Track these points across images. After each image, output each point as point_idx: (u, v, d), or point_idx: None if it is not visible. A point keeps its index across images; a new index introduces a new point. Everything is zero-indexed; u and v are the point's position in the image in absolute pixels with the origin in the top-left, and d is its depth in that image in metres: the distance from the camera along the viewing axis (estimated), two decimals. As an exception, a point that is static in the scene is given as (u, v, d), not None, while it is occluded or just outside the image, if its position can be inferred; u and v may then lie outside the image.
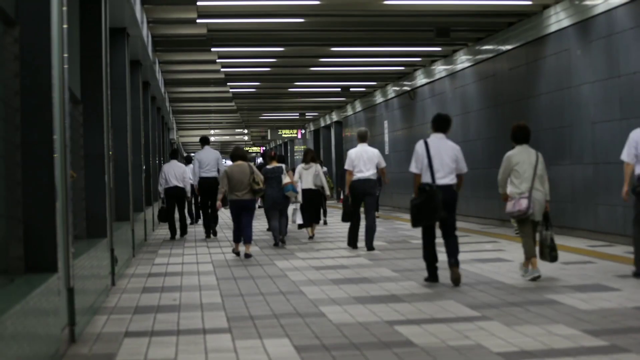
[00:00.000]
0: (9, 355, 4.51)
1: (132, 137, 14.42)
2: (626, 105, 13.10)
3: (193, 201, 21.20)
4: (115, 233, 10.61)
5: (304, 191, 15.77)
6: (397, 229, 18.45)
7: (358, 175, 13.16)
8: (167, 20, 16.70)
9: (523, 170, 9.48)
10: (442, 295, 8.60)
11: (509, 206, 9.50)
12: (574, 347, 6.01)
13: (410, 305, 8.03)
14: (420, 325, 7.01)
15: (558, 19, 15.17)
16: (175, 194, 17.41)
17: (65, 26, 6.86)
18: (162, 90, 24.72)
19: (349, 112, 34.67)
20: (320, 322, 7.32)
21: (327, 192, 16.24)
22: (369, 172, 13.18)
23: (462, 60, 20.37)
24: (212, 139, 49.45)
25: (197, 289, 9.67)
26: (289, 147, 54.71)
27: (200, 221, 21.03)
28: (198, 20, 15.83)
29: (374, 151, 13.41)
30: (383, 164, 13.46)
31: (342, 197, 15.03)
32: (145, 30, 15.56)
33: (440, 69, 22.23)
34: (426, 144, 9.46)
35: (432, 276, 9.60)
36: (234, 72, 23.89)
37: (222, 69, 22.78)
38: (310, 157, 16.16)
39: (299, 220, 16.46)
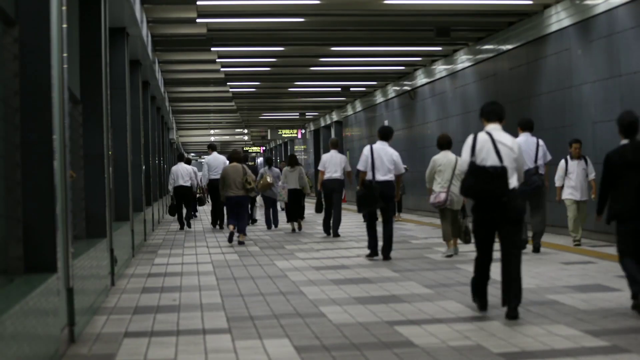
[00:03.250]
0: (9, 355, 4.50)
1: (132, 137, 14.41)
2: (627, 104, 13.08)
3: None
4: (115, 233, 10.60)
5: (290, 191, 18.20)
6: (397, 229, 18.44)
7: (327, 176, 16.03)
8: (167, 20, 16.68)
9: (444, 170, 12.00)
10: (442, 296, 8.59)
11: (431, 198, 12.13)
12: (575, 348, 5.99)
13: (410, 306, 8.02)
14: (421, 325, 7.00)
15: (559, 19, 15.16)
16: (183, 192, 20.55)
17: (64, 26, 6.85)
18: (162, 90, 24.71)
19: (349, 112, 34.66)
20: (320, 322, 7.31)
21: (308, 191, 18.73)
22: (337, 174, 16.04)
23: (463, 60, 20.36)
24: (211, 138, 49.50)
25: (197, 289, 9.66)
26: (289, 147, 54.70)
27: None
28: (198, 20, 15.82)
29: (342, 157, 16.32)
30: (348, 168, 16.40)
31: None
32: (144, 30, 15.54)
33: (440, 68, 22.22)
34: (371, 149, 12.04)
35: (373, 252, 12.22)
36: (233, 71, 23.88)
37: (222, 69, 22.78)
38: (293, 160, 18.60)
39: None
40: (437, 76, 22.49)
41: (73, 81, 9.16)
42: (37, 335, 5.30)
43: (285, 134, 45.66)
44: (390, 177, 12.00)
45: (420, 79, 24.01)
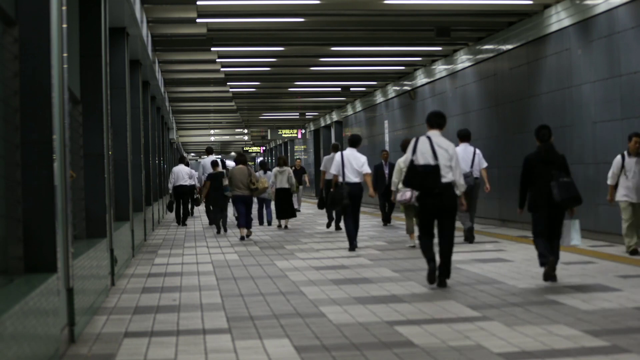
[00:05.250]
0: (9, 355, 4.50)
1: (132, 137, 14.41)
2: (627, 104, 13.09)
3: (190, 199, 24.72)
4: (115, 233, 10.59)
5: (278, 190, 19.58)
6: (398, 229, 18.44)
7: (328, 176, 16.72)
8: (167, 20, 16.68)
9: None
10: (442, 296, 8.59)
11: (398, 196, 12.89)
12: (575, 348, 5.99)
13: (410, 306, 8.02)
14: (421, 325, 7.00)
15: (559, 19, 15.16)
16: (182, 191, 22.65)
17: (64, 26, 6.85)
18: (162, 90, 24.71)
19: (349, 112, 34.66)
20: (320, 322, 7.31)
21: (294, 190, 20.09)
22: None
23: (463, 60, 20.36)
24: (211, 138, 49.57)
25: (197, 289, 9.66)
26: (289, 147, 54.71)
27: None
28: (198, 20, 15.82)
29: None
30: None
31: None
32: (145, 30, 15.54)
33: (440, 68, 22.22)
34: (342, 155, 13.61)
35: (353, 247, 13.60)
36: (234, 71, 23.88)
37: (222, 69, 22.77)
38: (282, 162, 20.09)
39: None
40: (437, 76, 22.48)
41: (73, 81, 9.16)
42: (37, 335, 5.30)
43: (285, 134, 45.65)
44: (359, 179, 13.59)
45: (420, 79, 24.01)
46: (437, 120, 9.34)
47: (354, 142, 13.95)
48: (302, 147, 49.47)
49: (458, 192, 9.24)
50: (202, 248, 15.15)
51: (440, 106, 22.47)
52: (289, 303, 8.42)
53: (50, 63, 6.23)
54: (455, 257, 12.27)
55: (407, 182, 9.25)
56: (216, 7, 15.54)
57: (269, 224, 20.85)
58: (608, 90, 13.60)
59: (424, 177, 9.03)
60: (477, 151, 14.34)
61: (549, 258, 9.06)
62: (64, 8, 6.88)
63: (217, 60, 20.87)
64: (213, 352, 6.25)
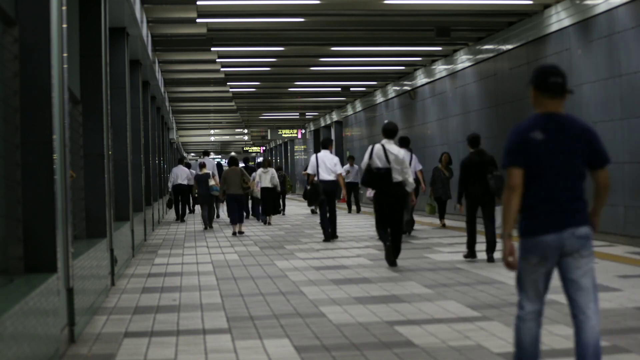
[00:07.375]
0: (9, 355, 4.50)
1: (132, 137, 14.41)
2: (627, 104, 13.09)
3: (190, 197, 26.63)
4: (115, 233, 10.59)
5: (263, 189, 20.92)
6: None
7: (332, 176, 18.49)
8: (167, 20, 16.68)
9: None
10: (442, 296, 8.59)
11: (367, 193, 14.10)
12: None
13: (410, 306, 8.02)
14: (421, 325, 7.00)
15: (559, 19, 15.16)
16: (180, 190, 24.37)
17: (64, 26, 6.85)
18: (162, 90, 24.71)
19: (349, 111, 34.66)
20: (320, 322, 7.31)
21: (278, 189, 21.49)
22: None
23: (463, 60, 20.36)
24: (211, 138, 49.61)
25: (197, 289, 9.66)
26: (289, 147, 54.68)
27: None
28: (198, 20, 15.82)
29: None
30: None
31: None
32: (145, 30, 15.54)
33: (440, 68, 22.22)
34: (317, 156, 15.48)
35: (327, 237, 15.31)
36: (234, 71, 23.89)
37: (222, 69, 22.78)
38: (267, 163, 21.75)
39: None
40: (437, 76, 22.48)
41: (73, 81, 9.16)
42: (37, 335, 5.30)
43: (285, 134, 45.67)
44: (332, 177, 15.37)
45: (420, 79, 24.01)
46: (390, 131, 11.22)
47: (326, 144, 15.81)
48: (302, 147, 49.47)
49: (409, 189, 11.09)
50: (202, 248, 15.15)
51: (440, 106, 22.48)
52: (289, 303, 8.42)
53: (50, 63, 6.23)
54: (455, 257, 12.32)
55: (365, 182, 11.21)
56: (216, 7, 15.55)
57: (263, 219, 22.18)
58: (608, 90, 13.60)
59: (379, 178, 10.92)
60: (414, 156, 16.54)
61: (473, 242, 11.66)
62: (64, 8, 6.88)
63: (217, 60, 20.88)
64: (213, 352, 6.25)
